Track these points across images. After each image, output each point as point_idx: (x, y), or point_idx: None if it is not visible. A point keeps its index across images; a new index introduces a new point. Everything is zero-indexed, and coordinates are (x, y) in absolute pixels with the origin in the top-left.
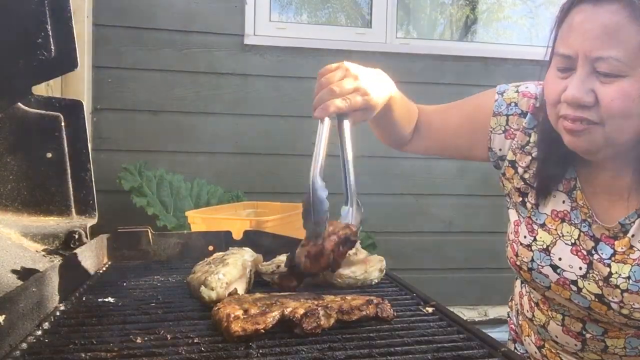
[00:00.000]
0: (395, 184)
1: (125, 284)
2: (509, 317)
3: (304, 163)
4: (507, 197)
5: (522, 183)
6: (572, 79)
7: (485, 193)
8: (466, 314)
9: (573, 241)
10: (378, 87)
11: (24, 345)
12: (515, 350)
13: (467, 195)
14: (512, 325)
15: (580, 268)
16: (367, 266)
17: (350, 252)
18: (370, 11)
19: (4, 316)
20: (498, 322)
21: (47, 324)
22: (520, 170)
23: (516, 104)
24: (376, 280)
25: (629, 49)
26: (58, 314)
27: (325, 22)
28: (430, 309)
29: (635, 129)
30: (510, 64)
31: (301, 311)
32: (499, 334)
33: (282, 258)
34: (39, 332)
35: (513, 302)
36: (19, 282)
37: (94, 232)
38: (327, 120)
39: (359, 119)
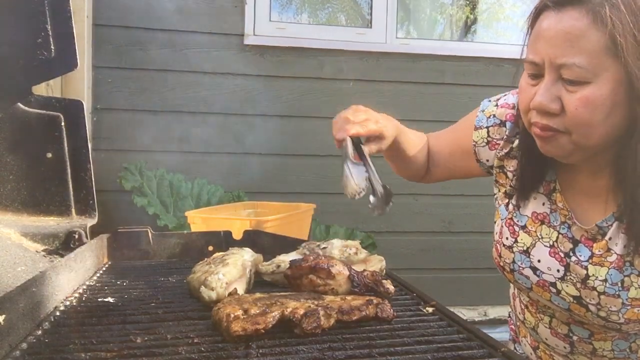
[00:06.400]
0: (395, 184)
1: (125, 284)
2: (509, 317)
3: (304, 163)
4: (496, 201)
5: (509, 186)
6: (539, 85)
7: (485, 193)
8: (466, 314)
9: (551, 243)
10: (386, 120)
11: (24, 345)
12: (515, 351)
13: (467, 195)
14: (512, 326)
15: (558, 270)
16: (367, 266)
17: (351, 252)
18: (370, 11)
19: (4, 316)
20: (498, 322)
21: (47, 324)
22: (510, 175)
23: (494, 116)
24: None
25: (591, 55)
26: (58, 314)
27: (325, 22)
28: (430, 309)
29: (601, 135)
30: (510, 64)
31: (301, 311)
32: (499, 334)
33: (282, 258)
34: (39, 332)
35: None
36: (19, 282)
37: (94, 232)
38: (348, 139)
39: (373, 149)
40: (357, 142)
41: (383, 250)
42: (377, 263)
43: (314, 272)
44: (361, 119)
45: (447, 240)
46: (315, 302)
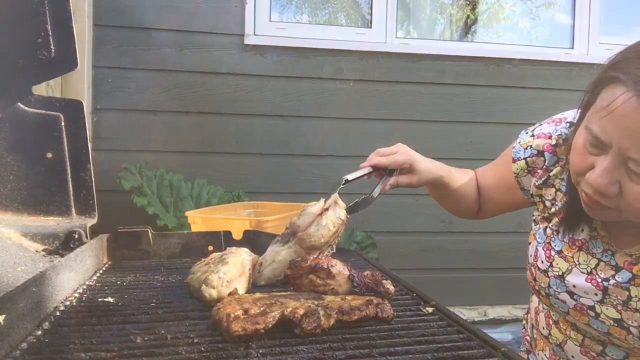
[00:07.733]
0: None
1: (125, 284)
2: (524, 328)
3: (304, 163)
4: (533, 223)
5: (547, 213)
6: (601, 162)
7: None
8: (466, 314)
9: (589, 270)
10: (425, 159)
11: (24, 345)
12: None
13: None
14: (527, 337)
15: (596, 294)
16: (319, 218)
17: (311, 207)
18: (370, 11)
19: (4, 316)
20: (498, 322)
21: (47, 324)
22: (548, 203)
23: (531, 147)
24: (332, 227)
25: None
26: (58, 314)
27: (325, 22)
28: (430, 309)
29: None
30: (510, 64)
31: (301, 311)
32: (499, 334)
33: (267, 253)
34: (39, 332)
35: (529, 315)
36: (19, 282)
37: (94, 232)
38: (366, 169)
39: (403, 181)
40: (389, 172)
41: (383, 250)
42: (339, 209)
43: (314, 272)
44: (390, 151)
45: (447, 240)
46: (315, 302)
